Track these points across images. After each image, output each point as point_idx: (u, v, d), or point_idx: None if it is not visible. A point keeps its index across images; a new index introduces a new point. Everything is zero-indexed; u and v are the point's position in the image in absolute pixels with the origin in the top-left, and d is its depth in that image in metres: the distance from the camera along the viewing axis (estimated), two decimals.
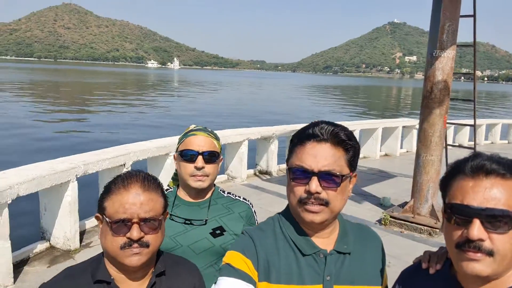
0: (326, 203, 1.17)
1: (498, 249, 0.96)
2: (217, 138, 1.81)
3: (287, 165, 1.26)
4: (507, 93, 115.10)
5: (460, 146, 10.11)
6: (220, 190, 1.89)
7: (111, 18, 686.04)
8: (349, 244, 1.28)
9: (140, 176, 1.29)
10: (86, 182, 5.74)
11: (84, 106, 28.13)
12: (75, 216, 4.70)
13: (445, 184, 1.09)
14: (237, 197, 1.88)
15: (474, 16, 5.92)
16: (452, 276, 1.12)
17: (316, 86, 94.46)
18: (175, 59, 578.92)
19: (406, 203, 5.98)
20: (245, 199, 1.89)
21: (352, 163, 1.23)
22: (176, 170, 1.85)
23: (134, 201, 1.23)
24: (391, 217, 5.81)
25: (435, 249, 1.27)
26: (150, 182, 1.29)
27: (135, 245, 1.22)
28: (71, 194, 4.61)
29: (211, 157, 1.74)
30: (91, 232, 5.22)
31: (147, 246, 1.24)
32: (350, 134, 1.21)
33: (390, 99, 62.44)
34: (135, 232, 1.21)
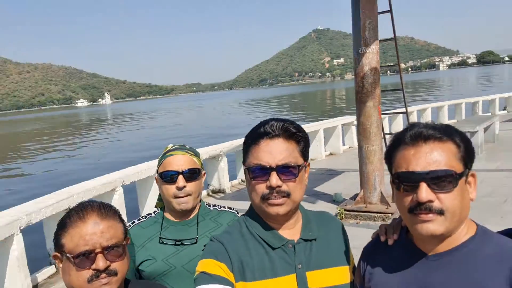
0: (288, 195, 1.23)
1: (447, 207, 1.04)
2: (196, 154, 1.79)
3: (244, 166, 1.31)
4: (430, 79, 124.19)
5: (394, 134, 10.76)
6: (207, 204, 1.87)
7: (32, 63, 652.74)
8: (314, 230, 1.33)
9: (95, 205, 1.27)
10: (31, 232, 5.37)
11: (14, 156, 26.40)
12: (25, 271, 4.39)
13: (389, 156, 1.15)
14: (222, 208, 1.87)
15: (390, 11, 6.36)
16: (409, 242, 1.19)
17: (255, 100, 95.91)
18: (106, 94, 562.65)
19: (357, 195, 6.22)
20: (231, 208, 1.89)
21: (305, 153, 1.29)
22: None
23: (93, 231, 1.20)
24: (345, 210, 6.01)
25: None
26: (106, 209, 1.27)
27: (103, 275, 1.19)
28: (18, 248, 4.30)
29: (192, 174, 1.71)
30: (45, 285, 4.87)
31: (115, 274, 1.21)
32: (299, 127, 1.28)
33: (326, 101, 64.87)
34: (100, 262, 1.18)
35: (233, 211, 1.87)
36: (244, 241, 1.28)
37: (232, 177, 9.19)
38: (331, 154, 11.55)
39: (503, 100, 16.63)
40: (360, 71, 5.75)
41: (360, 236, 1.39)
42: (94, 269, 1.18)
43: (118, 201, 6.06)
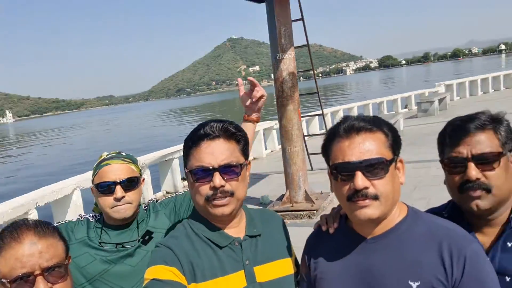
0: (231, 194, 1.26)
1: (381, 192, 1.13)
2: (134, 161, 1.72)
3: (186, 169, 1.31)
4: (339, 83, 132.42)
5: (314, 135, 11.30)
6: (144, 207, 1.81)
7: None
8: (258, 227, 1.38)
9: (31, 223, 1.17)
10: None
11: None
12: None
13: (326, 149, 1.24)
14: (149, 203, 1.83)
15: (302, 19, 6.73)
16: (349, 228, 1.27)
17: (172, 110, 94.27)
18: (7, 111, 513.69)
19: (283, 195, 6.42)
20: (151, 199, 1.88)
21: (245, 152, 1.33)
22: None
23: (31, 252, 1.10)
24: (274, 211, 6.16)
25: None
26: (44, 227, 1.18)
27: None
28: None
29: (131, 183, 1.65)
30: None
31: None
32: (238, 126, 1.32)
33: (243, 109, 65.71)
34: (41, 285, 1.08)
35: (153, 200, 1.85)
36: (191, 243, 1.28)
37: (156, 189, 8.94)
38: (254, 158, 11.77)
39: (404, 99, 18.30)
40: (279, 76, 5.97)
41: (290, 234, 1.46)
42: None
43: None
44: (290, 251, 1.42)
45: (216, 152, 1.25)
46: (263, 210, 1.51)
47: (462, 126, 1.31)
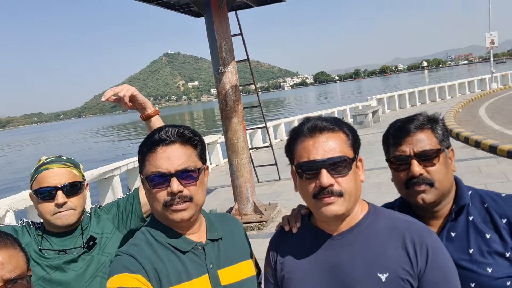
0: (190, 199, 1.25)
1: (345, 189, 1.17)
2: (76, 166, 1.62)
3: (141, 175, 1.28)
4: (279, 98, 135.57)
5: (259, 147, 11.45)
6: (88, 214, 1.72)
7: None
8: (218, 230, 1.38)
9: None
10: None
11: None
12: None
13: (290, 149, 1.27)
14: (91, 209, 1.76)
15: (241, 34, 6.88)
16: (313, 227, 1.31)
17: (108, 127, 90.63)
18: None
19: (231, 208, 6.42)
20: (94, 204, 1.81)
21: (203, 156, 1.33)
22: None
23: None
24: None
25: (267, 240, 1.45)
26: (4, 237, 1.13)
27: None
28: None
29: (73, 188, 1.56)
30: None
31: None
32: (194, 131, 1.31)
33: (186, 123, 64.98)
34: None
35: (96, 205, 1.80)
36: (153, 250, 1.25)
37: None
38: None
39: (340, 112, 19.18)
40: (222, 89, 6.02)
41: None
42: None
43: None
44: (250, 253, 1.44)
45: (172, 157, 1.23)
46: (221, 214, 1.52)
47: (403, 127, 1.42)
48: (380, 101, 20.07)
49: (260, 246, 1.44)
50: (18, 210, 5.97)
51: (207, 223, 1.38)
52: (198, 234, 1.33)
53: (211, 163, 12.22)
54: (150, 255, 1.23)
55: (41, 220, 1.65)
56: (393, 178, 1.48)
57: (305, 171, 1.19)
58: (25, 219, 1.66)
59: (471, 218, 1.39)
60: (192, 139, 1.28)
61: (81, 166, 1.68)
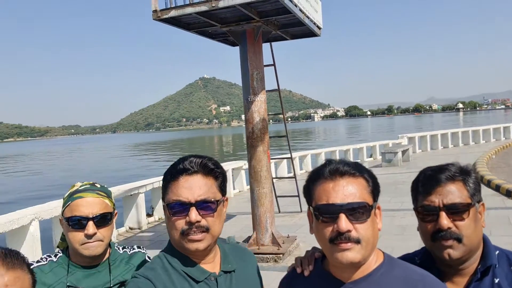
0: (207, 229, 1.28)
1: (363, 236, 1.14)
2: (108, 195, 1.63)
3: (163, 202, 1.33)
4: (308, 128, 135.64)
5: (283, 177, 11.42)
6: (116, 247, 1.71)
7: None
8: (232, 262, 1.40)
9: (0, 252, 1.10)
10: None
11: None
12: None
13: (309, 190, 1.26)
14: (133, 250, 1.74)
15: (274, 65, 7.02)
16: (325, 271, 1.27)
17: (141, 144, 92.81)
18: None
19: (249, 237, 6.38)
20: (140, 248, 1.77)
21: (223, 188, 1.37)
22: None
23: None
24: None
25: (283, 274, 1.44)
26: (13, 257, 1.11)
27: None
28: None
29: (104, 219, 1.56)
30: None
31: None
32: (216, 163, 1.35)
33: (214, 146, 65.90)
34: None
35: (143, 251, 1.77)
36: (168, 275, 1.28)
37: (119, 224, 8.67)
38: None
39: (369, 148, 18.95)
40: (250, 117, 6.12)
41: None
42: None
43: None
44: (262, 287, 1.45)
45: (193, 187, 1.27)
46: (236, 246, 1.53)
47: (434, 176, 1.38)
48: (411, 140, 19.71)
49: (275, 280, 1.44)
50: (43, 220, 6.15)
51: (222, 254, 1.40)
52: (212, 265, 1.35)
53: (234, 189, 12.26)
54: (165, 281, 1.26)
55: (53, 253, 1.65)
56: (419, 227, 1.44)
57: (323, 214, 1.17)
58: (43, 257, 1.62)
59: (496, 281, 1.32)
60: (214, 171, 1.32)
61: (113, 195, 1.69)
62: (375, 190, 1.23)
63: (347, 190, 1.17)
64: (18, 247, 5.95)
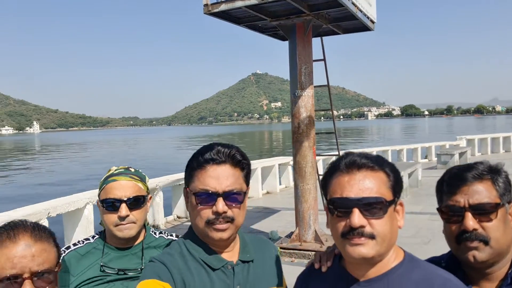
0: (232, 220, 1.28)
1: (378, 232, 1.09)
2: (142, 179, 1.67)
3: (188, 189, 1.32)
4: (360, 127, 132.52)
5: None
6: (152, 232, 1.76)
7: None
8: (251, 253, 1.38)
9: (29, 224, 1.17)
10: None
11: None
12: None
13: (325, 183, 1.22)
14: (169, 236, 1.78)
15: (324, 60, 6.89)
16: (342, 269, 1.23)
17: (194, 137, 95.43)
18: (35, 122, 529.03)
19: (292, 233, 6.33)
20: (178, 236, 1.78)
21: (248, 180, 1.36)
22: None
23: (24, 254, 1.09)
24: (280, 248, 6.07)
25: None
26: (41, 231, 1.18)
27: None
28: None
29: (137, 202, 1.60)
30: None
31: None
32: (243, 154, 1.34)
33: (263, 141, 66.28)
34: None
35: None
36: (184, 262, 1.29)
37: (167, 213, 8.96)
38: (268, 192, 11.72)
39: (424, 149, 18.11)
40: (297, 112, 6.06)
41: (294, 274, 1.42)
42: None
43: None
44: (281, 281, 1.42)
45: (221, 177, 1.26)
46: (258, 237, 1.52)
47: (460, 174, 1.30)
48: (471, 142, 18.59)
49: (301, 272, 1.41)
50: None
51: (241, 243, 1.40)
52: (230, 253, 1.35)
53: (280, 184, 12.24)
54: (181, 266, 1.27)
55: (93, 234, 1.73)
56: (444, 229, 1.35)
57: (337, 208, 1.13)
58: (80, 240, 1.71)
59: None
60: (241, 162, 1.32)
61: (147, 179, 1.73)
62: (396, 186, 1.16)
63: (363, 184, 1.12)
64: (73, 229, 6.36)
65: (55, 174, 27.26)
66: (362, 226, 1.09)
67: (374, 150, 16.35)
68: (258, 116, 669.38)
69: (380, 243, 1.10)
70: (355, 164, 1.14)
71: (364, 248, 1.09)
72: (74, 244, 1.67)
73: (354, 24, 6.77)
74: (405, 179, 10.12)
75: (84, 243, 1.68)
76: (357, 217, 1.08)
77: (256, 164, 11.39)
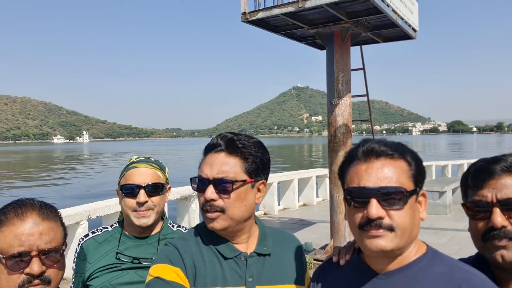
0: (222, 210, 1.21)
1: (397, 224, 1.02)
2: (162, 168, 1.70)
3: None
4: (403, 142, 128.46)
5: None
6: (170, 224, 1.77)
7: (11, 96, 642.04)
8: (268, 246, 1.32)
9: (36, 203, 1.17)
10: None
11: None
12: None
13: (342, 172, 1.15)
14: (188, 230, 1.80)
15: (363, 69, 6.76)
16: (361, 262, 1.16)
17: None
18: (84, 132, 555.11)
19: (327, 245, 6.19)
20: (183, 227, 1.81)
21: (252, 171, 1.26)
22: None
23: (31, 231, 1.10)
24: (314, 259, 5.93)
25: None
26: (48, 209, 1.18)
27: (36, 281, 1.08)
28: None
29: (155, 189, 1.62)
30: None
31: (49, 282, 1.11)
32: (248, 143, 1.26)
33: (303, 155, 65.75)
34: (35, 267, 1.07)
35: None
36: (198, 248, 1.26)
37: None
38: (304, 204, 11.56)
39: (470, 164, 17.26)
40: (333, 121, 5.95)
41: None
42: (27, 274, 1.07)
43: (81, 235, 5.83)
44: (302, 279, 1.34)
45: (214, 164, 1.22)
46: (281, 231, 1.45)
47: (487, 167, 1.19)
48: None
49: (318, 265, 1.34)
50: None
51: (260, 236, 1.34)
52: (245, 245, 1.30)
53: (317, 197, 12.05)
54: (194, 252, 1.24)
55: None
56: (469, 227, 1.25)
57: (354, 198, 1.07)
58: (102, 228, 1.73)
59: None
60: (240, 149, 1.24)
61: (167, 170, 1.75)
62: (418, 175, 1.08)
63: (381, 173, 1.04)
64: None
65: (101, 179, 28.35)
66: (380, 218, 1.02)
67: None
68: (298, 129, 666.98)
69: (400, 236, 1.03)
70: (373, 152, 1.07)
71: (383, 241, 1.02)
72: (93, 232, 1.70)
73: (395, 32, 6.63)
74: (449, 195, 9.66)
75: (102, 231, 1.71)
76: (374, 208, 1.01)
77: (293, 176, 11.29)
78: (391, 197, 1.02)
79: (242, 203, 1.24)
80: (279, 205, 10.89)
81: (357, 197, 1.06)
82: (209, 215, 1.22)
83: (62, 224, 1.22)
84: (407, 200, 1.04)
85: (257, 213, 10.10)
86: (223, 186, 1.21)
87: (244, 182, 1.24)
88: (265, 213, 10.36)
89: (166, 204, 1.78)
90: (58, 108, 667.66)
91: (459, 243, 6.86)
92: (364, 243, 1.05)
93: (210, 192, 1.20)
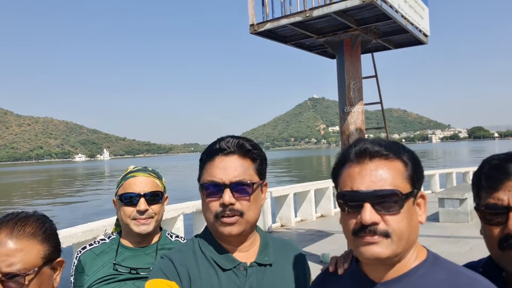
0: (240, 214, 1.19)
1: (393, 230, 0.95)
2: (159, 177, 1.71)
3: (199, 183, 1.27)
4: (423, 150, 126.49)
5: None
6: (168, 234, 1.76)
7: (33, 116, 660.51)
8: (270, 256, 1.28)
9: (11, 221, 1.08)
10: None
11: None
12: None
13: (335, 175, 1.08)
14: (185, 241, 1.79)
15: (376, 76, 6.70)
16: (358, 271, 1.10)
17: None
18: (105, 150, 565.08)
19: None
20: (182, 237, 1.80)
21: (261, 171, 1.27)
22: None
23: None
24: None
25: None
26: (24, 226, 1.07)
27: None
28: None
29: (154, 197, 1.63)
30: None
31: None
32: (255, 144, 1.27)
33: (320, 166, 65.25)
34: None
35: None
36: (195, 259, 1.23)
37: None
38: (322, 216, 11.40)
39: None
40: (346, 129, 5.89)
41: None
42: None
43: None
44: None
45: (228, 167, 1.20)
46: (284, 241, 1.40)
47: (503, 166, 1.09)
48: None
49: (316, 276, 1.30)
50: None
51: (261, 245, 1.30)
52: (246, 254, 1.26)
53: (335, 207, 11.86)
54: (190, 264, 1.21)
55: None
56: (482, 231, 1.16)
57: (347, 202, 1.00)
58: (100, 240, 1.72)
59: None
60: (251, 152, 1.24)
61: (163, 179, 1.76)
62: (414, 176, 1.01)
63: (375, 175, 0.98)
64: None
65: None
66: (375, 223, 0.95)
67: (436, 173, 15.46)
68: (315, 140, 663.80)
69: (396, 242, 0.96)
70: (366, 153, 1.00)
71: (378, 248, 0.95)
72: (90, 244, 1.70)
73: (405, 38, 6.57)
74: (470, 202, 9.39)
75: (100, 243, 1.70)
76: (368, 213, 0.95)
77: (309, 186, 11.18)
78: (385, 200, 0.96)
79: (257, 205, 1.24)
80: (296, 216, 10.77)
81: (350, 202, 0.99)
82: (227, 220, 1.18)
83: (46, 240, 1.12)
84: (403, 204, 0.97)
85: (274, 225, 10.11)
86: (243, 188, 1.20)
87: (258, 183, 1.24)
88: (282, 225, 10.25)
89: (182, 216, 1.78)
90: (79, 127, 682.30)
91: (481, 252, 6.57)
92: (359, 250, 0.98)
93: (229, 196, 1.18)
